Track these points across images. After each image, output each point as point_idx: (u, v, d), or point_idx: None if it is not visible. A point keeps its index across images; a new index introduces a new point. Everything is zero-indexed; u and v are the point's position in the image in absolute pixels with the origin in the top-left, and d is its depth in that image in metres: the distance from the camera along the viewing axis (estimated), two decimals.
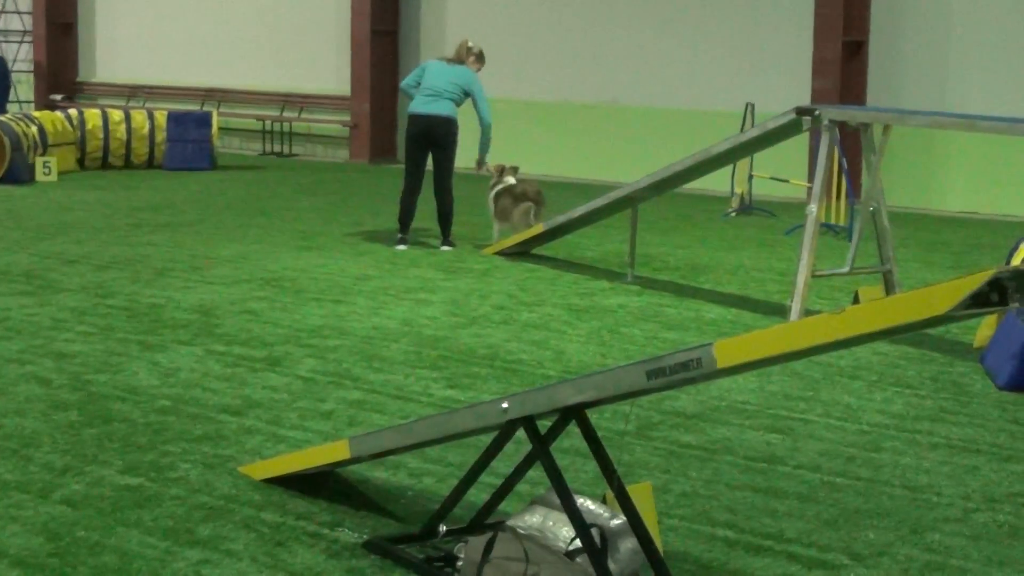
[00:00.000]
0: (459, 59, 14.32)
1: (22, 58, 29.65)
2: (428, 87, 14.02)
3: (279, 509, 6.17)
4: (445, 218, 14.22)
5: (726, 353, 4.54)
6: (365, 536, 5.82)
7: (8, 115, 21.30)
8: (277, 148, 25.68)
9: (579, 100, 22.30)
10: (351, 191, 19.77)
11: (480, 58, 14.40)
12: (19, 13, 29.66)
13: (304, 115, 25.45)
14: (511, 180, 14.25)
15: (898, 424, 7.90)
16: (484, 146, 14.22)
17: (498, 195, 14.19)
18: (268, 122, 25.63)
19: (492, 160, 14.61)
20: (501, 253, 13.78)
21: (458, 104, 14.10)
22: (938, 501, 6.54)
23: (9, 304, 10.67)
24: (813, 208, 10.89)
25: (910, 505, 6.47)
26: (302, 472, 6.39)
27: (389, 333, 10.02)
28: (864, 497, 6.57)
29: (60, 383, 8.32)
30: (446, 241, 14.20)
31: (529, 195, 14.05)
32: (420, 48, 24.03)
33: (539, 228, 13.52)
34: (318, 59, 25.16)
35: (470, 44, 14.47)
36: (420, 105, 14.04)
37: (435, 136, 14.03)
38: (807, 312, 10.46)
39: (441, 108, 13.96)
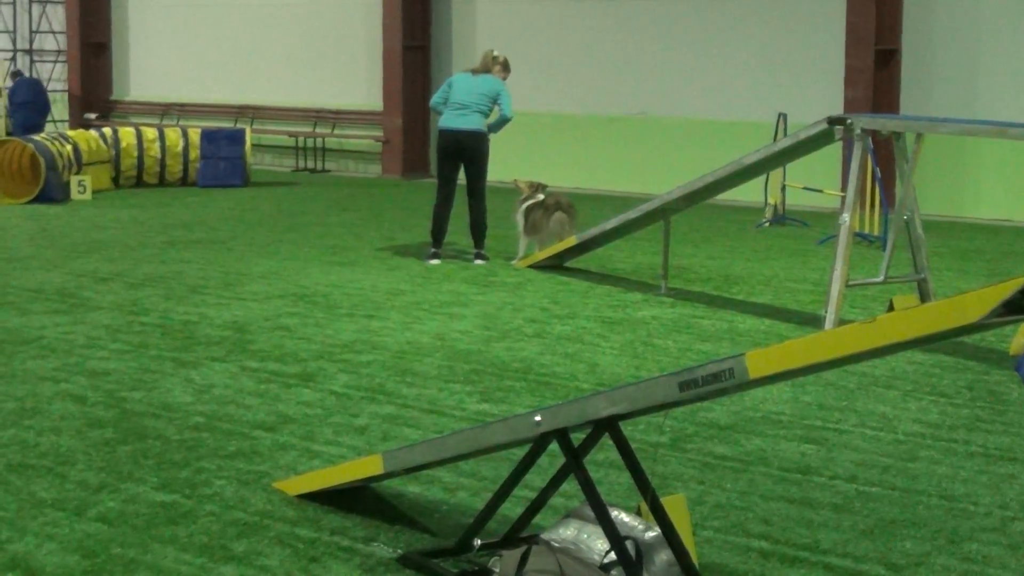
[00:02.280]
0: (485, 69, 14.33)
1: (56, 78, 29.82)
2: (456, 101, 14.04)
3: (313, 524, 6.17)
4: (478, 232, 14.23)
5: (758, 364, 4.52)
6: (400, 551, 5.82)
7: (43, 134, 21.41)
8: (310, 164, 25.74)
9: (610, 112, 22.28)
10: (383, 206, 19.79)
11: (506, 67, 14.40)
12: (53, 33, 29.84)
13: (336, 131, 25.51)
14: (541, 197, 14.24)
15: (934, 433, 7.86)
16: (496, 126, 14.23)
17: (529, 209, 14.16)
18: (301, 138, 25.71)
19: (522, 175, 14.60)
20: (534, 266, 13.78)
21: (487, 115, 14.11)
22: (975, 510, 6.50)
23: (44, 322, 10.72)
24: (846, 217, 10.85)
25: (947, 515, 6.43)
26: (336, 487, 6.40)
27: (422, 347, 10.03)
28: (900, 507, 6.53)
29: (95, 401, 8.35)
30: (479, 255, 14.20)
31: (561, 205, 14.03)
32: (451, 62, 24.06)
33: (572, 241, 13.51)
34: (350, 75, 25.22)
35: (495, 53, 14.47)
36: (450, 120, 14.06)
37: (466, 150, 14.04)
38: (841, 322, 10.42)
39: (470, 122, 13.97)
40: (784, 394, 8.56)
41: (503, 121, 14.14)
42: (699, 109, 21.36)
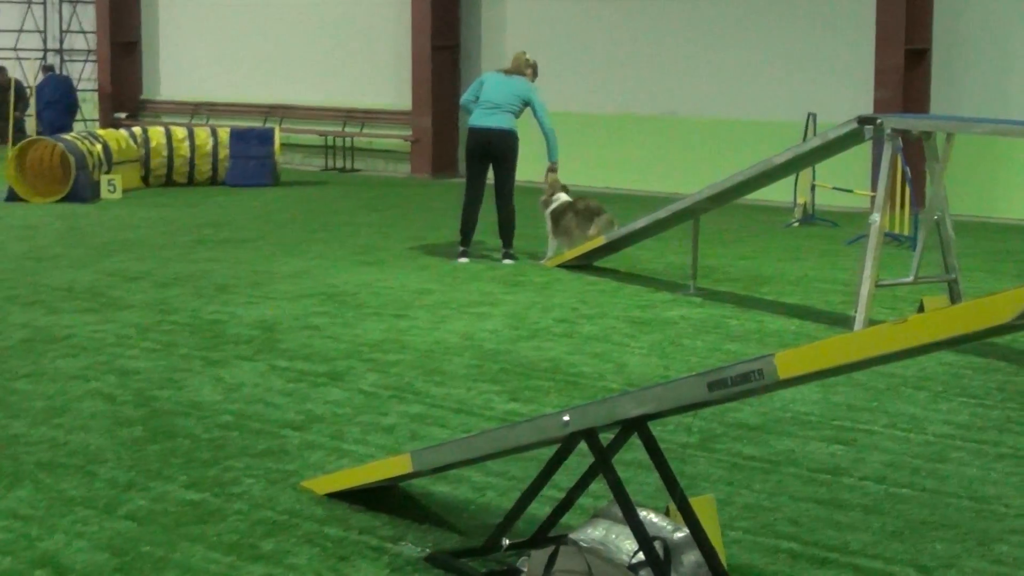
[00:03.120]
0: (517, 71, 14.33)
1: (86, 77, 29.94)
2: (487, 100, 14.06)
3: (342, 523, 6.17)
4: (506, 231, 14.23)
5: (787, 364, 4.51)
6: (428, 550, 5.82)
7: (73, 134, 21.50)
8: (339, 163, 25.78)
9: (638, 112, 22.25)
10: (412, 206, 19.81)
11: (536, 71, 14.45)
12: (83, 33, 29.96)
13: (365, 130, 25.55)
14: (565, 196, 14.22)
15: (964, 435, 7.82)
16: (553, 151, 14.22)
17: (559, 212, 14.14)
18: (330, 137, 25.75)
19: (549, 175, 14.61)
20: (562, 266, 13.77)
21: (517, 116, 14.11)
22: (1006, 512, 6.47)
23: (73, 321, 10.76)
24: (876, 217, 10.82)
25: (977, 517, 6.40)
26: (364, 486, 6.40)
27: (450, 347, 10.03)
28: (930, 509, 6.50)
29: (124, 399, 8.37)
30: (507, 254, 14.19)
31: (593, 208, 14.02)
32: (480, 62, 24.06)
33: (600, 240, 13.49)
34: (379, 75, 25.25)
35: (527, 56, 14.49)
36: (479, 118, 14.07)
37: (495, 149, 14.05)
38: (871, 322, 10.38)
39: (500, 121, 13.97)
40: (813, 395, 8.53)
41: (550, 138, 14.16)
42: (728, 109, 21.32)
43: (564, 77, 22.74)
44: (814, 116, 17.91)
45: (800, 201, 17.91)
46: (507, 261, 14.08)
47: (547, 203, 14.28)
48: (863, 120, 10.96)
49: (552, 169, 14.37)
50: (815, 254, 15.20)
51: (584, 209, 14.03)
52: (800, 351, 4.54)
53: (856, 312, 10.62)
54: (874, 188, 13.13)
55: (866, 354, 4.36)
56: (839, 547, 5.98)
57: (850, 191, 17.33)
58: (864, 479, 6.95)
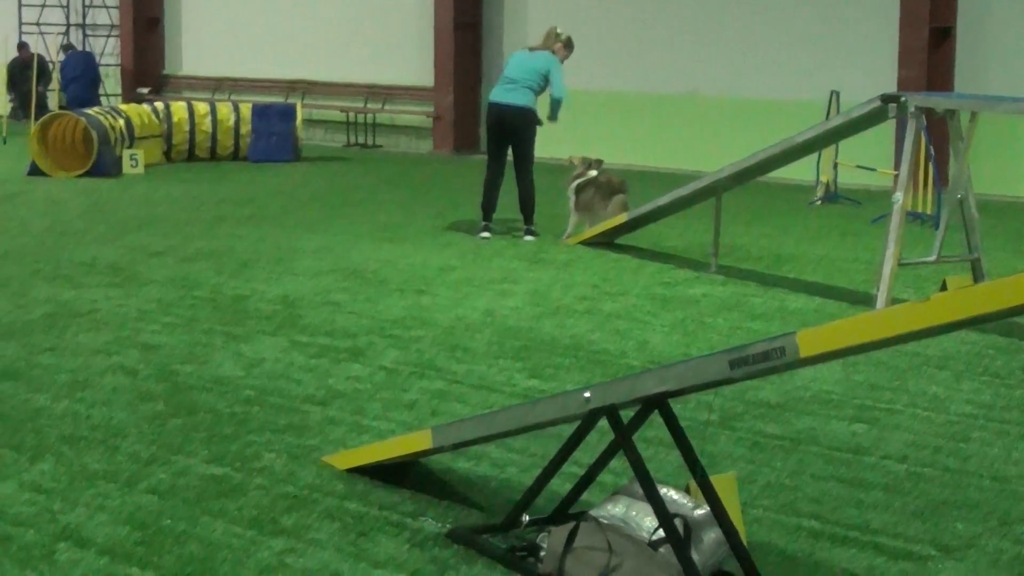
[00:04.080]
0: (545, 46, 14.29)
1: (109, 52, 29.96)
2: (506, 76, 14.08)
3: (362, 499, 6.19)
4: (526, 207, 14.21)
5: (809, 342, 4.50)
6: (448, 526, 5.83)
7: (96, 109, 21.52)
8: (361, 140, 25.78)
9: (661, 90, 22.20)
10: (434, 182, 19.80)
11: (568, 45, 14.35)
12: (106, 8, 29.98)
13: (387, 107, 25.53)
14: (594, 173, 14.20)
15: (986, 414, 7.81)
16: (553, 113, 14.21)
17: (581, 187, 14.13)
18: (352, 114, 25.74)
19: (576, 152, 14.59)
20: (584, 243, 13.75)
21: (538, 92, 14.06)
22: None
23: (96, 296, 10.79)
24: (900, 196, 10.78)
25: (999, 496, 6.39)
26: (385, 462, 6.41)
27: (472, 324, 10.03)
28: (952, 488, 6.49)
29: (146, 374, 8.40)
30: (528, 231, 14.18)
31: (615, 185, 14.00)
32: (503, 39, 24.03)
33: (622, 218, 13.47)
34: (401, 51, 25.22)
35: (558, 31, 14.43)
36: (497, 95, 14.08)
37: (510, 125, 14.03)
38: (893, 301, 10.35)
39: (516, 98, 13.94)
40: (835, 373, 8.52)
41: (555, 103, 14.09)
42: (750, 87, 21.25)
43: (586, 55, 22.62)
44: (837, 94, 17.84)
45: (823, 180, 17.86)
46: (528, 238, 14.07)
47: (575, 178, 14.26)
48: (887, 98, 10.91)
49: (551, 117, 14.27)
50: (837, 233, 15.16)
51: (606, 184, 14.01)
52: (822, 330, 4.53)
53: (878, 291, 10.59)
54: (897, 167, 13.09)
55: (888, 333, 4.35)
56: (860, 526, 5.97)
57: (873, 170, 17.26)
58: (886, 458, 6.94)
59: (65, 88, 27.08)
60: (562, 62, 14.22)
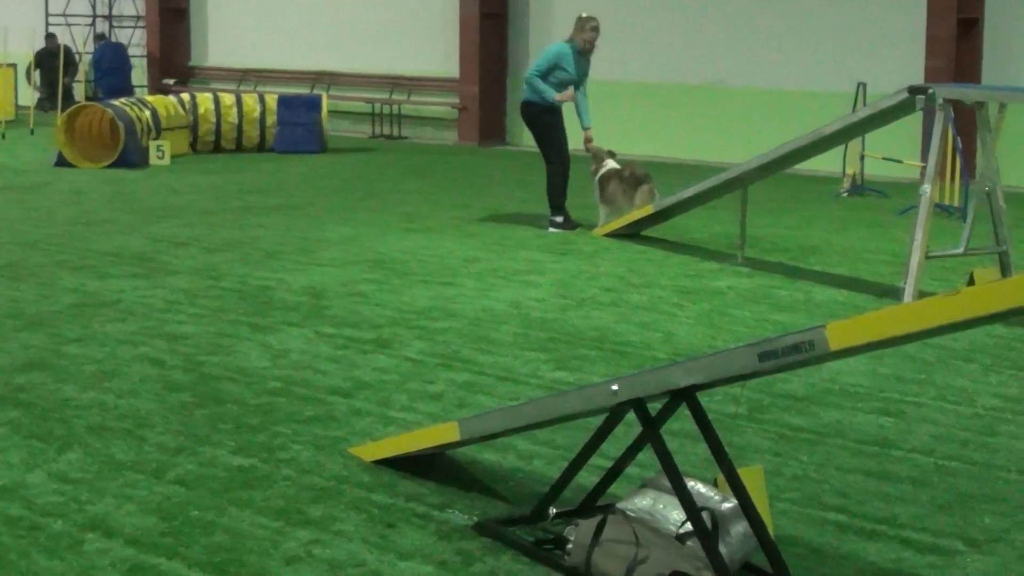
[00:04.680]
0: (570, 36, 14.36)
1: (135, 43, 30.01)
2: None
3: (389, 490, 6.19)
4: (548, 197, 14.24)
5: (839, 336, 4.48)
6: (475, 518, 5.83)
7: (122, 100, 21.57)
8: (386, 131, 25.78)
9: (687, 81, 22.16)
10: (459, 173, 19.79)
11: (580, 26, 14.31)
12: None
13: (413, 97, 25.53)
14: (612, 163, 14.19)
15: (1014, 407, 7.78)
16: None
17: (604, 179, 14.12)
18: (377, 105, 25.74)
19: (599, 143, 14.57)
20: (610, 235, 13.74)
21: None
22: None
23: (123, 286, 10.82)
24: (927, 188, 10.74)
25: None
26: (411, 454, 6.41)
27: (497, 315, 10.03)
28: (979, 482, 6.47)
29: (173, 364, 8.42)
30: (551, 222, 14.18)
31: (639, 175, 13.98)
32: (529, 29, 24.01)
33: (648, 209, 13.45)
34: (427, 41, 25.21)
35: (582, 14, 14.53)
36: None
37: (525, 119, 14.41)
38: (920, 294, 10.32)
39: (524, 92, 14.31)
40: (861, 366, 8.49)
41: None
42: (777, 78, 21.19)
43: (613, 46, 22.61)
44: (864, 86, 17.78)
45: (849, 171, 17.81)
46: (551, 229, 14.06)
47: (595, 171, 14.26)
48: (914, 90, 10.87)
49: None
50: (864, 225, 15.11)
51: (629, 176, 13.99)
52: (851, 322, 4.51)
53: (905, 283, 10.55)
54: (924, 159, 13.03)
55: (918, 326, 4.33)
56: (887, 519, 5.95)
57: (900, 161, 17.20)
58: (912, 451, 6.92)
59: (100, 79, 27.17)
60: (584, 45, 14.20)
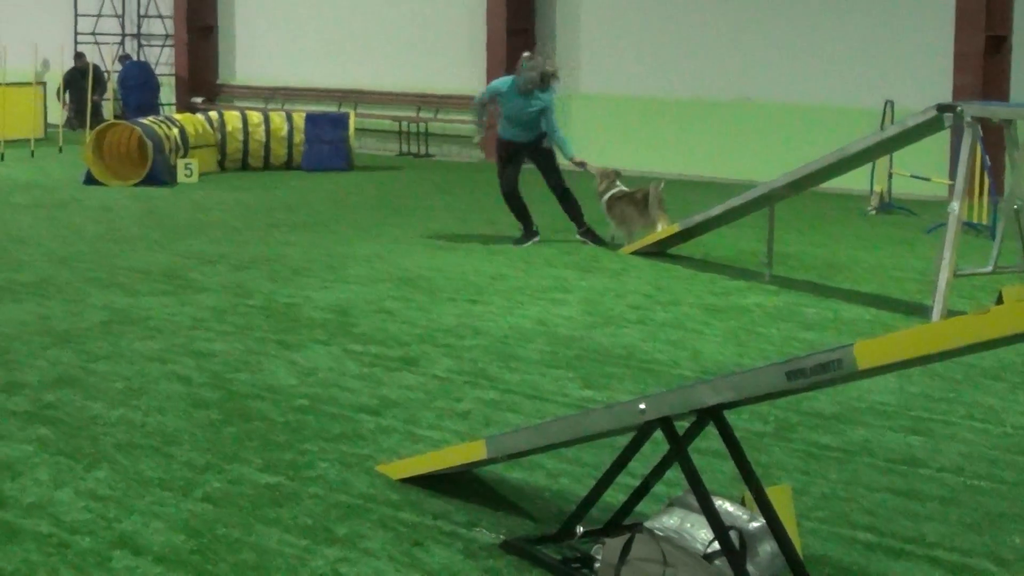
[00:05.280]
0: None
1: (164, 62, 30.14)
2: None
3: (416, 508, 6.19)
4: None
5: (867, 354, 4.47)
6: (502, 536, 5.83)
7: (151, 118, 21.67)
8: (413, 148, 25.82)
9: (713, 97, 22.14)
10: (486, 191, 19.75)
11: (519, 68, 14.40)
12: (161, 17, 30.16)
13: (440, 115, 25.57)
14: (621, 185, 14.42)
15: None
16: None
17: (614, 201, 14.33)
18: (404, 122, 25.78)
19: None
20: (636, 252, 13.73)
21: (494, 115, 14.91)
22: None
23: (151, 303, 10.85)
24: (955, 206, 10.71)
25: None
26: (439, 472, 6.41)
27: (524, 333, 10.03)
28: (1009, 501, 6.44)
29: (201, 381, 8.43)
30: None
31: (649, 194, 14.03)
32: (556, 47, 24.01)
33: (675, 228, 13.44)
34: (453, 59, 25.25)
35: (525, 54, 14.74)
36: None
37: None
38: (949, 312, 10.28)
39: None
40: (890, 384, 8.47)
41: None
42: (803, 95, 21.16)
43: (637, 61, 22.69)
44: (892, 103, 17.75)
45: (877, 189, 17.77)
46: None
47: (603, 192, 14.56)
48: (943, 108, 10.85)
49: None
50: (892, 242, 15.08)
51: (642, 197, 14.12)
52: (880, 341, 4.49)
53: (934, 302, 10.52)
54: (952, 176, 13.01)
55: (947, 345, 4.32)
56: (916, 538, 5.93)
57: (928, 179, 17.16)
58: (941, 470, 6.89)
59: (126, 97, 27.31)
60: (523, 86, 14.29)
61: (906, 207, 17.63)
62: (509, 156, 14.64)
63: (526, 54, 14.62)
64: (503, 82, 14.53)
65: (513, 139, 14.58)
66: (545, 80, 14.26)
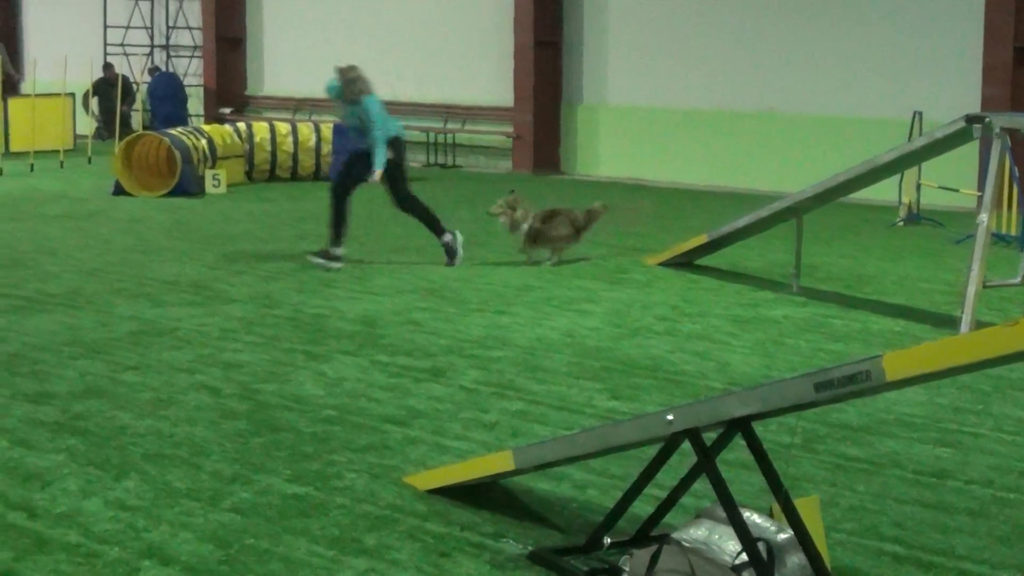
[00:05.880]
0: None
1: (192, 73, 30.27)
2: None
3: (443, 519, 6.19)
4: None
5: (896, 366, 4.46)
6: (529, 547, 5.82)
7: (179, 129, 21.75)
8: (440, 160, 25.85)
9: (739, 108, 22.12)
10: None
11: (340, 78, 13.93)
12: (189, 29, 30.30)
13: (467, 126, 25.60)
14: (527, 211, 13.89)
15: None
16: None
17: (548, 221, 13.88)
18: (431, 134, 25.83)
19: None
20: (663, 264, 13.72)
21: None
22: None
23: (179, 314, 10.88)
24: (984, 217, 10.68)
25: None
26: (466, 483, 6.41)
27: (551, 344, 10.03)
28: None
29: (229, 392, 8.46)
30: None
31: (571, 216, 13.86)
32: (583, 58, 24.04)
33: (702, 239, 13.42)
34: (481, 71, 25.30)
35: (340, 65, 14.21)
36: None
37: None
38: (977, 324, 10.25)
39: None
40: (918, 396, 8.44)
41: None
42: (831, 106, 21.12)
43: (664, 73, 22.68)
44: (920, 115, 17.71)
45: (905, 200, 17.72)
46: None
47: (515, 221, 13.94)
48: (971, 119, 10.82)
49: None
50: (920, 254, 15.03)
51: (572, 219, 13.87)
52: (909, 353, 4.48)
53: (962, 313, 10.49)
54: (981, 187, 12.97)
55: (976, 357, 4.30)
56: (945, 551, 5.91)
57: (956, 190, 17.11)
58: (970, 482, 6.87)
59: (155, 109, 27.44)
60: (346, 96, 13.86)
61: (934, 218, 17.57)
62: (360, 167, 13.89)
63: (343, 65, 14.08)
64: (329, 88, 14.06)
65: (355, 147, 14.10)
66: (351, 88, 13.73)
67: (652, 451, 5.52)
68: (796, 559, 5.14)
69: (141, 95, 28.05)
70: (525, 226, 13.81)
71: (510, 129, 24.68)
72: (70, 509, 6.28)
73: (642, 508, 5.84)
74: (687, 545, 5.25)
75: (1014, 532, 6.14)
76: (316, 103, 27.73)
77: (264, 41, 29.11)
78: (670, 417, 5.25)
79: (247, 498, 6.46)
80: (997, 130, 10.62)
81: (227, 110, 28.77)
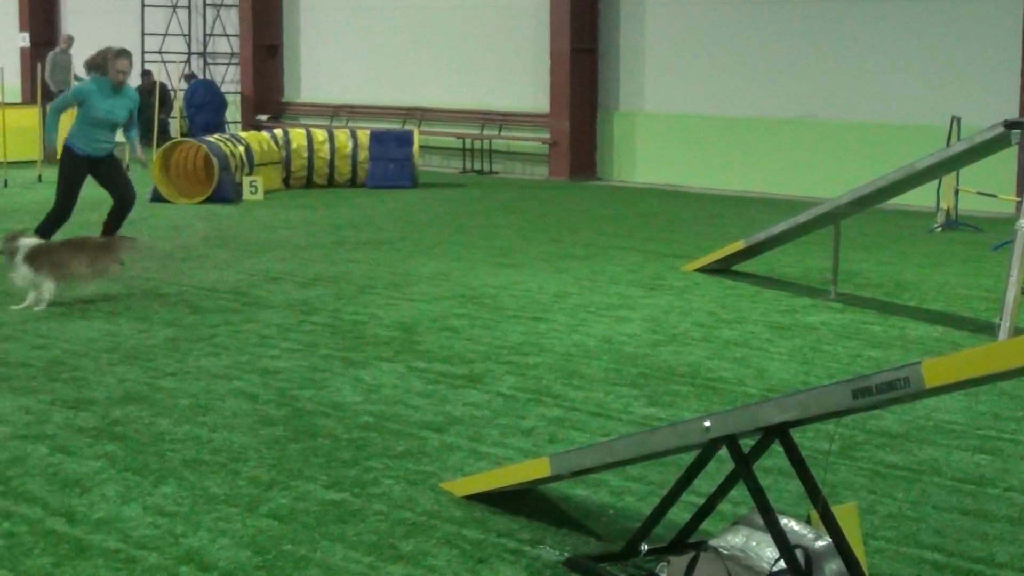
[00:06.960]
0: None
1: (229, 80, 30.38)
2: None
3: (480, 526, 6.20)
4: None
5: (935, 372, 4.44)
6: (566, 554, 5.82)
7: (216, 136, 21.83)
8: (477, 166, 25.87)
9: (778, 115, 22.07)
10: (550, 208, 19.80)
11: (112, 58, 13.12)
12: (227, 36, 30.41)
13: (504, 133, 25.61)
14: (29, 240, 11.86)
15: None
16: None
17: (34, 256, 11.63)
18: (468, 140, 25.85)
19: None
20: (701, 270, 13.69)
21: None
22: None
23: (216, 321, 10.92)
24: (1023, 223, 10.62)
25: None
26: (503, 489, 6.41)
27: (589, 350, 10.02)
28: None
29: (266, 399, 8.48)
30: None
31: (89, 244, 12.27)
32: (619, 65, 24.02)
33: (739, 245, 13.39)
34: (517, 77, 25.30)
35: (112, 47, 13.38)
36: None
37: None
38: (1017, 330, 10.20)
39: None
40: (957, 403, 8.40)
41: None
42: (869, 112, 21.05)
43: (702, 80, 22.65)
44: (958, 120, 17.63)
45: (943, 206, 17.63)
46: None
47: (16, 254, 11.64)
48: (1010, 124, 10.76)
49: None
50: (958, 260, 14.96)
51: (90, 244, 12.32)
52: (948, 359, 4.46)
53: (1001, 319, 10.43)
54: (1020, 193, 12.90)
55: (1016, 363, 4.27)
56: (985, 559, 5.88)
57: (995, 196, 17.01)
58: (1010, 490, 6.83)
59: (193, 116, 27.56)
60: (117, 77, 13.22)
61: (972, 224, 17.49)
62: (80, 174, 13.52)
63: (115, 47, 13.26)
64: (84, 85, 13.34)
65: (92, 153, 13.40)
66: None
67: (689, 458, 5.50)
68: (834, 566, 5.12)
69: (179, 103, 28.16)
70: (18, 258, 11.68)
71: (547, 135, 24.67)
72: (109, 515, 6.32)
73: (679, 515, 5.83)
74: (724, 552, 5.24)
75: None
76: (353, 110, 27.83)
77: (301, 49, 29.19)
78: (708, 424, 5.23)
79: (285, 504, 6.48)
80: None
81: (264, 117, 28.85)
